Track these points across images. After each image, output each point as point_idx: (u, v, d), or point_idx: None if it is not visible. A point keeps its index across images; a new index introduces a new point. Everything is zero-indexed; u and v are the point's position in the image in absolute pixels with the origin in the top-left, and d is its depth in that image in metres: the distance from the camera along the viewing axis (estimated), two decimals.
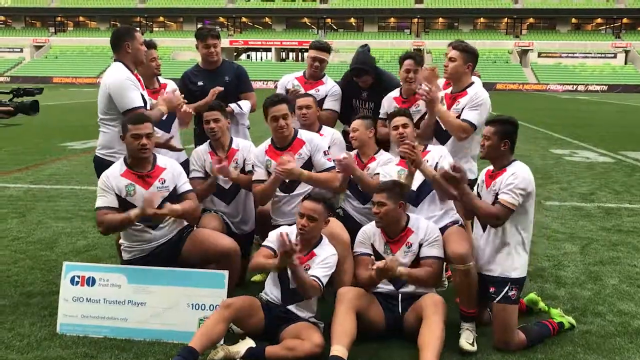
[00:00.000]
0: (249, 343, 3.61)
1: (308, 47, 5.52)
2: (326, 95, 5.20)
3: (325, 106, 5.20)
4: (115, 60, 4.41)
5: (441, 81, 4.93)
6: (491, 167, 3.92)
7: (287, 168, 4.12)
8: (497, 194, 3.75)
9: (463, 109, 4.44)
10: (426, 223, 4.00)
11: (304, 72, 5.46)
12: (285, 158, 4.16)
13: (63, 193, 8.32)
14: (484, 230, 3.90)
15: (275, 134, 4.38)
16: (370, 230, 4.05)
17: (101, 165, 4.36)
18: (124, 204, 3.92)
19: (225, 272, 3.93)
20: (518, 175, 3.72)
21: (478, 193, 3.94)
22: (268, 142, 4.47)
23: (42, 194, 8.19)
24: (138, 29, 4.85)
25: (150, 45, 4.84)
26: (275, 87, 5.46)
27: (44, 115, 21.58)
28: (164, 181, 4.03)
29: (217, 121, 4.54)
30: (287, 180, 4.26)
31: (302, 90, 5.16)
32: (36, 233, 6.27)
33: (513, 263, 3.80)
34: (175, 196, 4.05)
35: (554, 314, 4.18)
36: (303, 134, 4.43)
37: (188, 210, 4.04)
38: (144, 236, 4.04)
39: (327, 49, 5.34)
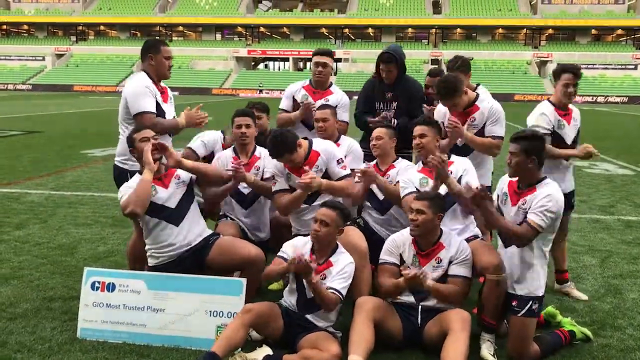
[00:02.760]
0: (266, 351, 3.62)
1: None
2: (336, 106, 5.12)
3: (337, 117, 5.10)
4: (141, 70, 4.60)
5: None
6: (513, 179, 3.85)
7: (306, 181, 4.11)
8: (526, 213, 3.69)
9: (484, 125, 4.49)
10: (458, 240, 3.95)
11: (310, 80, 5.43)
12: (311, 174, 4.19)
13: (83, 200, 8.43)
14: (505, 247, 3.86)
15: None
16: (400, 240, 4.00)
17: (117, 172, 4.56)
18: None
19: (243, 280, 3.95)
20: (552, 199, 3.63)
21: (498, 205, 3.91)
22: None
23: (62, 201, 8.30)
24: (167, 42, 4.92)
25: (258, 108, 5.08)
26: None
27: (65, 123, 21.91)
28: (179, 177, 4.24)
29: (249, 127, 4.64)
30: (309, 193, 4.28)
31: (311, 100, 5.16)
32: (57, 239, 6.36)
33: (539, 282, 3.77)
34: (192, 191, 4.27)
35: (565, 323, 4.15)
36: (316, 145, 4.40)
37: (209, 168, 4.40)
38: (168, 236, 4.09)
39: (328, 53, 5.30)
